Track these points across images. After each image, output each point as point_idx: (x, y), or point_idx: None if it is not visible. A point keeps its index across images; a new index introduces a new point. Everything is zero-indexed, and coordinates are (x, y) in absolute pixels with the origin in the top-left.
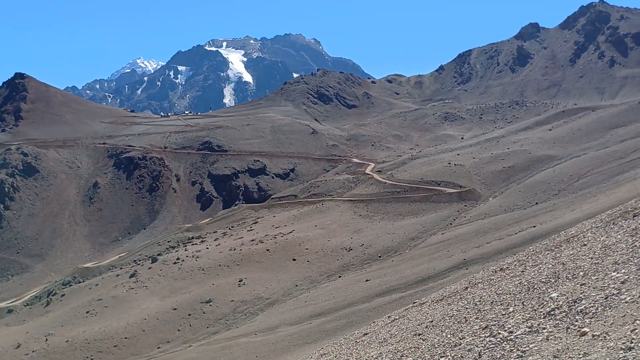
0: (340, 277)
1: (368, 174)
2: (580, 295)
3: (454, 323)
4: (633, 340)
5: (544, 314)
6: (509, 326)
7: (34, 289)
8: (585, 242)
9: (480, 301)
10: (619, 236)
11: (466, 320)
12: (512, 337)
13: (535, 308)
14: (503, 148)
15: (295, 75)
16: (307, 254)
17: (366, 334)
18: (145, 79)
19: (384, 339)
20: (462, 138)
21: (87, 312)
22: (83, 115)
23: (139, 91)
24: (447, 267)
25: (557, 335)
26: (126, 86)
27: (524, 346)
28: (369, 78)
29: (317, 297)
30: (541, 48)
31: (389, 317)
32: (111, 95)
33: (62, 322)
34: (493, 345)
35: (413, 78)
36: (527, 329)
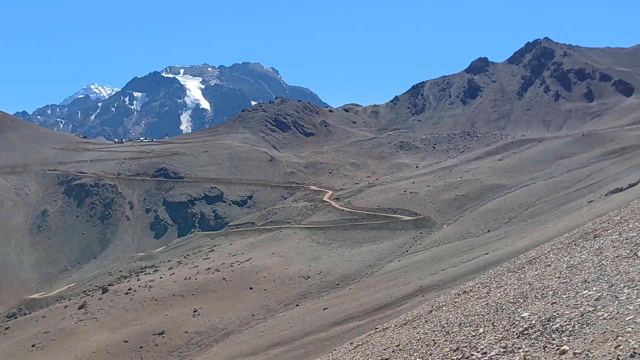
0: (297, 305)
1: (326, 201)
2: (554, 314)
3: (422, 346)
4: (619, 357)
5: (517, 333)
6: (482, 347)
7: None
8: (549, 263)
9: (447, 323)
10: (584, 256)
11: (435, 343)
12: (485, 358)
13: (507, 328)
14: (456, 177)
15: (253, 103)
16: (264, 282)
17: None
18: (100, 104)
19: None
20: (417, 167)
21: (33, 346)
22: (33, 140)
23: (92, 117)
24: (404, 294)
25: (534, 355)
26: (79, 112)
27: None
28: (326, 107)
29: (274, 327)
30: (490, 81)
31: (351, 343)
32: (63, 121)
33: (5, 357)
34: None
35: (369, 108)
36: (502, 350)
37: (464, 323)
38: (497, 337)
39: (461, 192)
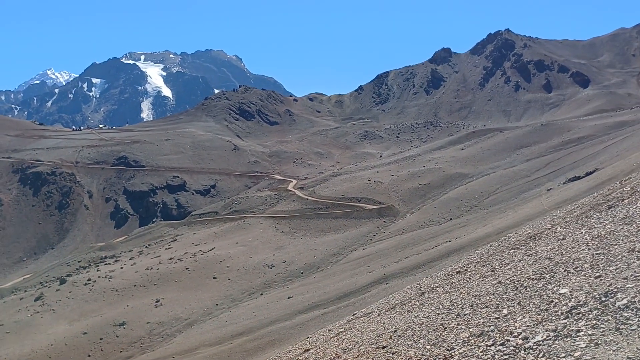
0: (262, 294)
1: (290, 190)
2: (610, 288)
3: (428, 331)
4: None
5: (562, 313)
6: (517, 331)
7: None
8: (561, 237)
9: (452, 305)
10: (609, 226)
11: (445, 328)
12: (531, 344)
13: (543, 308)
14: (419, 166)
15: (216, 91)
16: (228, 271)
17: (308, 350)
18: (56, 91)
19: (336, 354)
20: (381, 156)
21: None
22: None
23: (49, 104)
24: (368, 282)
25: (609, 339)
26: (35, 98)
27: (564, 356)
28: (291, 96)
29: (238, 316)
30: (453, 72)
31: (329, 330)
32: (18, 108)
33: None
34: (507, 357)
35: (334, 97)
36: (552, 334)
37: (476, 304)
38: (534, 319)
39: (424, 181)
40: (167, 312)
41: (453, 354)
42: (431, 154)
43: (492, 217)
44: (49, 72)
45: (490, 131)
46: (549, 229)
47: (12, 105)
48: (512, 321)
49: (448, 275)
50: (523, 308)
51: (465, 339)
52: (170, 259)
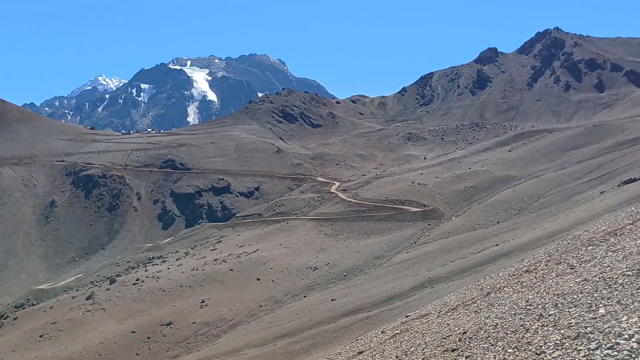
0: (305, 296)
1: (333, 192)
2: None
3: (506, 333)
4: None
5: None
6: (630, 333)
7: None
8: None
9: (531, 305)
10: None
11: (527, 330)
12: None
13: None
14: (465, 168)
15: (260, 94)
16: (271, 273)
17: (361, 352)
18: (107, 96)
19: (396, 356)
20: (425, 158)
21: (41, 336)
22: (41, 132)
23: (100, 109)
24: (413, 285)
25: None
26: (87, 103)
27: None
28: (333, 98)
29: (281, 318)
30: (500, 72)
31: (382, 332)
32: (71, 113)
33: (13, 347)
34: None
35: (377, 99)
36: None
37: (562, 304)
38: None
39: (470, 183)
40: (212, 312)
41: (545, 358)
42: (477, 155)
43: (542, 220)
44: (100, 78)
45: (539, 132)
46: (630, 224)
47: (66, 111)
48: (614, 322)
49: (514, 275)
50: (626, 307)
51: (558, 342)
52: (215, 260)
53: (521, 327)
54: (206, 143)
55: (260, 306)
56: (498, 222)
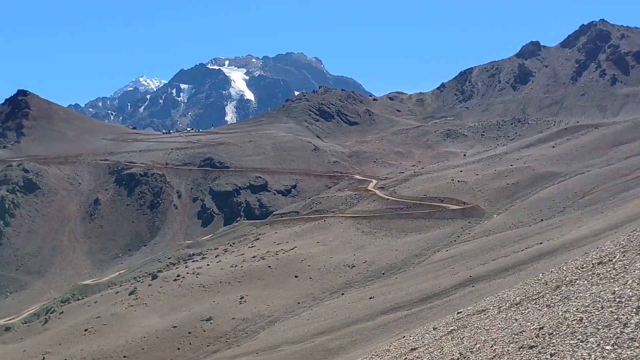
0: (343, 294)
1: (370, 190)
2: None
3: (597, 329)
4: None
5: None
6: None
7: (32, 306)
8: None
9: (620, 297)
10: None
11: (625, 324)
12: None
13: None
14: (506, 165)
15: (296, 93)
16: (309, 270)
17: (415, 349)
18: (148, 97)
19: (460, 354)
20: (465, 155)
21: (86, 330)
22: (85, 132)
23: (141, 109)
24: (453, 284)
25: None
26: (129, 104)
27: None
28: (370, 96)
29: (319, 315)
30: (542, 66)
31: (434, 329)
32: (113, 113)
33: (59, 341)
34: None
35: (414, 96)
36: None
37: None
38: None
39: (512, 180)
40: (251, 308)
41: None
42: (519, 152)
43: (588, 218)
44: (141, 79)
45: (584, 127)
46: None
47: (109, 111)
48: None
49: (583, 267)
50: None
51: None
52: (254, 257)
53: (616, 322)
54: (244, 142)
55: (298, 303)
56: (542, 220)
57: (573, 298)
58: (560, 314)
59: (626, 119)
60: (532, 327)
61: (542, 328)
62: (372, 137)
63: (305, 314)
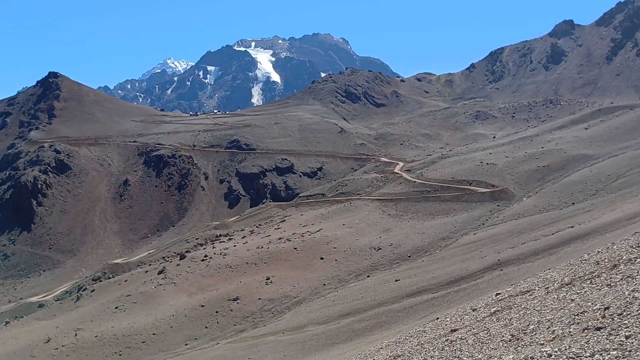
0: (369, 276)
1: (397, 173)
2: None
3: None
4: None
5: None
6: None
7: (64, 284)
8: None
9: None
10: None
11: None
12: None
13: None
14: (537, 147)
15: (323, 74)
16: (335, 252)
17: (455, 330)
18: (175, 79)
19: (512, 335)
20: (494, 137)
21: (116, 308)
22: (114, 114)
23: (169, 91)
24: (481, 267)
25: None
26: (157, 86)
27: None
28: (397, 77)
29: (345, 297)
30: (576, 45)
31: (473, 309)
32: (142, 95)
33: (91, 318)
34: None
35: (443, 76)
36: None
37: None
38: None
39: (543, 163)
40: (277, 289)
41: None
42: (551, 134)
43: (622, 201)
44: (168, 61)
45: (618, 109)
46: None
47: (137, 94)
48: None
49: (636, 246)
50: None
51: None
52: (280, 238)
53: None
54: (270, 124)
55: (324, 285)
56: (573, 204)
57: (638, 277)
58: (626, 293)
59: None
60: (594, 308)
61: (607, 308)
62: (399, 119)
63: (331, 296)
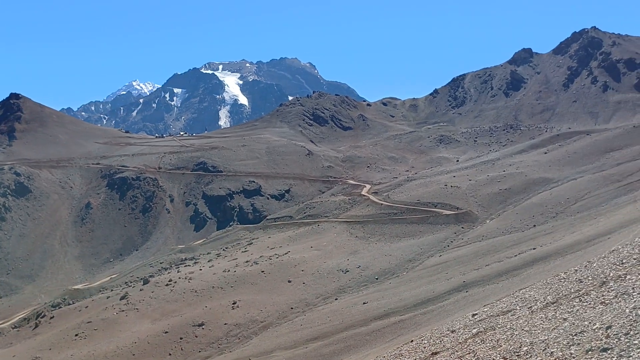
0: (336, 299)
1: (364, 195)
2: None
3: None
4: None
5: None
6: None
7: (22, 310)
8: None
9: None
10: None
11: None
12: None
13: None
14: (499, 170)
15: (290, 98)
16: (302, 275)
17: (436, 354)
18: (141, 100)
19: (503, 357)
20: (458, 160)
21: (76, 335)
22: (77, 135)
23: (134, 113)
24: (447, 289)
25: None
26: (122, 108)
27: None
28: (364, 101)
29: (313, 320)
30: (534, 73)
31: (452, 331)
32: (106, 117)
33: (50, 345)
34: None
35: (408, 101)
36: None
37: None
38: None
39: (505, 185)
40: (244, 314)
41: None
42: (512, 158)
43: (581, 224)
44: (134, 83)
45: (576, 134)
46: None
47: (101, 115)
48: None
49: (624, 262)
50: None
51: None
52: (247, 261)
53: None
54: (237, 146)
55: (292, 308)
56: (534, 226)
57: (635, 294)
58: (627, 311)
59: (618, 125)
60: (594, 327)
61: (609, 327)
62: (366, 142)
63: (299, 320)
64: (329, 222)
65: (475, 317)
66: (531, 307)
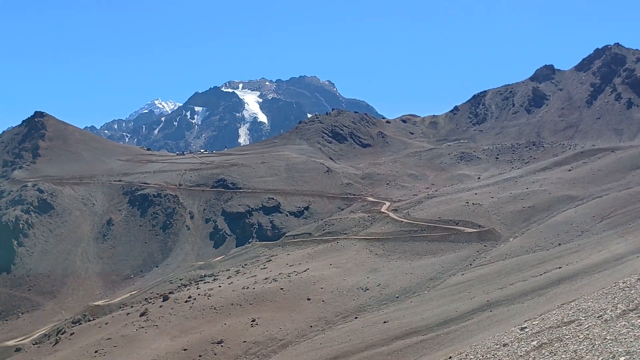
0: (356, 318)
1: (384, 212)
2: None
3: None
4: None
5: None
6: None
7: (43, 327)
8: None
9: None
10: None
11: None
12: None
13: None
14: (522, 188)
15: (309, 115)
16: (322, 293)
17: None
18: (163, 119)
19: None
20: (479, 178)
21: (96, 352)
22: (100, 153)
23: (156, 131)
24: (471, 308)
25: None
26: (144, 126)
27: None
28: (383, 118)
29: (332, 339)
30: (557, 89)
31: (502, 344)
32: (129, 135)
33: None
34: None
35: (427, 118)
36: None
37: None
38: None
39: (528, 203)
40: (263, 331)
41: None
42: (535, 175)
43: (609, 242)
44: (156, 102)
45: (600, 151)
46: None
47: (124, 133)
48: None
49: None
50: None
51: None
52: (266, 278)
53: None
54: (257, 163)
55: (311, 326)
56: (559, 244)
57: None
58: None
59: None
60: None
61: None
62: (385, 159)
63: (318, 338)
64: (349, 240)
65: (526, 330)
66: (601, 316)
